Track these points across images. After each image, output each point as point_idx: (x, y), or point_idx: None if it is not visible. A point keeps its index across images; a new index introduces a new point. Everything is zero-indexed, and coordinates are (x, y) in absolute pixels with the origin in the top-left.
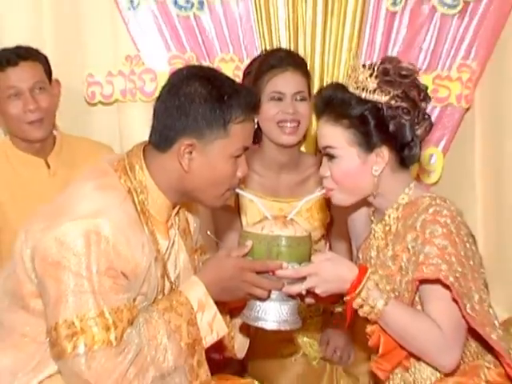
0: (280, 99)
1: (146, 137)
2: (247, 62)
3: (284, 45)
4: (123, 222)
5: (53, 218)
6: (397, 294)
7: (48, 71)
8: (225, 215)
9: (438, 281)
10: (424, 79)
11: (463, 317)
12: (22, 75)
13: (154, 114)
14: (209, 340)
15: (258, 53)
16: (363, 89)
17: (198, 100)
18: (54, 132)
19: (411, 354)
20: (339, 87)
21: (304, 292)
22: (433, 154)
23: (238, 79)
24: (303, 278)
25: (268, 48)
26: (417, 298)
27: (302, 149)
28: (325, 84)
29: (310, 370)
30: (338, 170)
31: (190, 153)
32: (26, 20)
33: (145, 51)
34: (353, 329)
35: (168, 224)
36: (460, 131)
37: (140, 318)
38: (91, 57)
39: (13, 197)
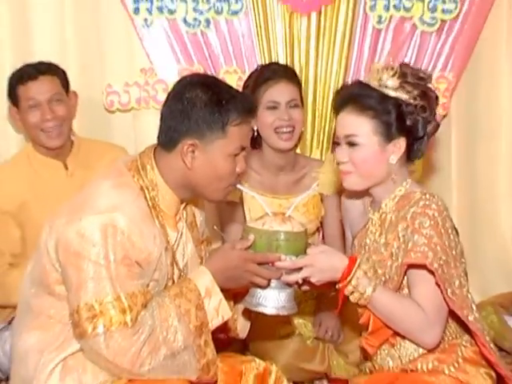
0: (275, 107)
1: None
2: (249, 73)
3: (281, 58)
4: (137, 216)
5: (74, 213)
6: (387, 277)
7: (65, 84)
8: (230, 210)
9: (423, 266)
10: None
11: (444, 300)
12: (40, 88)
13: (161, 117)
14: (215, 323)
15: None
16: (386, 86)
17: (199, 104)
18: (72, 137)
19: (397, 333)
20: (363, 84)
21: (300, 281)
22: None
23: (240, 89)
24: (300, 269)
25: (267, 61)
26: (404, 282)
27: (298, 151)
28: (317, 92)
29: (304, 347)
30: (359, 156)
31: (193, 152)
32: (52, 36)
33: (157, 64)
34: (343, 312)
35: (176, 218)
36: (437, 135)
37: (153, 302)
38: (110, 69)
39: (35, 196)
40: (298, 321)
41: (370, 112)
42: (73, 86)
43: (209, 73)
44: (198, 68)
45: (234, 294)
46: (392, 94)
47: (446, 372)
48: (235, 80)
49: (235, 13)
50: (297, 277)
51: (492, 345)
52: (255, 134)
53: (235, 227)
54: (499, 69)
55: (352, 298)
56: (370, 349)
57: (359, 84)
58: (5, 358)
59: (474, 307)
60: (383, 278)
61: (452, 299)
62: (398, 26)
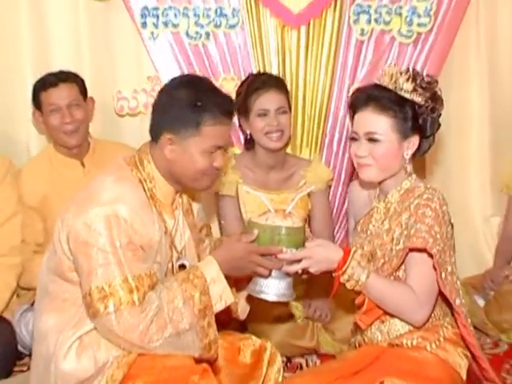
0: (265, 114)
1: None
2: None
3: (274, 67)
4: (137, 205)
5: (81, 206)
6: (386, 259)
7: (83, 91)
8: (226, 203)
9: (424, 250)
10: None
11: (437, 282)
12: (60, 94)
13: (151, 110)
14: (218, 307)
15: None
16: (401, 89)
17: (177, 103)
18: (89, 139)
19: (388, 313)
20: (381, 87)
21: (300, 271)
22: None
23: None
24: (299, 260)
25: (261, 69)
26: (402, 266)
27: (289, 150)
28: (307, 97)
29: (295, 326)
30: (379, 151)
31: (171, 145)
32: (69, 48)
33: (162, 72)
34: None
35: (173, 206)
36: None
37: (162, 285)
38: (120, 77)
39: (55, 191)
40: (290, 303)
41: (390, 112)
42: None
43: None
44: None
45: (236, 280)
46: (407, 95)
47: (428, 349)
48: (232, 86)
49: (232, 26)
50: (297, 267)
51: (472, 328)
52: (248, 136)
53: (232, 218)
54: (468, 75)
55: (348, 286)
56: (363, 325)
57: (377, 86)
58: (28, 337)
59: (461, 293)
60: (382, 260)
61: (444, 283)
62: (379, 38)
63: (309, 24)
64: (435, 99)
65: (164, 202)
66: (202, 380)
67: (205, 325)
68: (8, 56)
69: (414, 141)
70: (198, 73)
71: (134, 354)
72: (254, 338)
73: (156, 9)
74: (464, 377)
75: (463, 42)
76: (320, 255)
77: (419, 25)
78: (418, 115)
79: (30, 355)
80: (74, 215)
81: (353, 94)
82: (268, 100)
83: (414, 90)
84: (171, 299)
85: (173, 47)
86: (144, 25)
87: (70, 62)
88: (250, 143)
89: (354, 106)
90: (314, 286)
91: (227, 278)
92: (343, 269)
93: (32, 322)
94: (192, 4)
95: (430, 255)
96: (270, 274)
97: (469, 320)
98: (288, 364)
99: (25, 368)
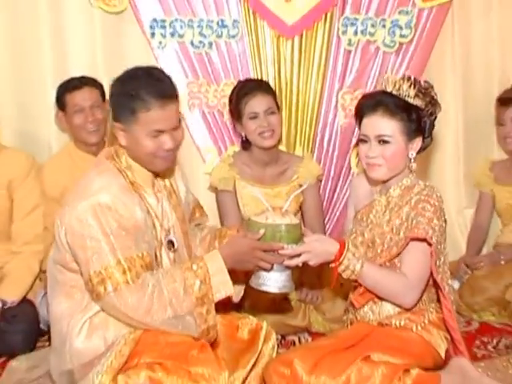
0: (256, 117)
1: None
2: (232, 88)
3: (270, 74)
4: (118, 192)
5: (72, 203)
6: (386, 246)
7: (102, 94)
8: (225, 197)
9: (424, 240)
10: None
11: (431, 269)
12: (84, 96)
13: None
14: (218, 296)
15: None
16: (405, 95)
17: (116, 93)
18: (105, 138)
19: (380, 297)
20: (387, 93)
21: (300, 265)
22: None
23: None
24: (299, 254)
25: (259, 75)
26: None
27: (284, 149)
28: (299, 101)
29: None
30: (389, 152)
31: (123, 133)
32: (85, 56)
33: None
34: (323, 279)
35: (154, 189)
36: None
37: (164, 270)
38: None
39: (75, 183)
40: None
41: (398, 116)
42: None
43: (211, 85)
44: (202, 81)
45: (236, 272)
46: (411, 101)
47: (414, 330)
48: None
49: (233, 37)
50: (297, 261)
51: (455, 313)
52: (244, 138)
53: (230, 212)
54: (445, 83)
55: (344, 275)
56: (357, 304)
57: (383, 93)
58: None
59: (450, 282)
60: (381, 247)
61: (437, 270)
62: (365, 48)
63: (302, 35)
64: (434, 103)
65: (144, 186)
66: (200, 354)
67: (203, 312)
68: (31, 64)
69: (418, 141)
70: (202, 79)
71: (139, 331)
72: (250, 317)
73: (164, 21)
74: (443, 356)
75: (440, 52)
76: (318, 249)
77: (401, 36)
78: (420, 118)
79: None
80: (68, 213)
81: (360, 100)
82: (256, 103)
83: (416, 95)
84: (172, 284)
85: (179, 55)
86: (153, 35)
87: (86, 68)
88: (246, 144)
89: (362, 111)
90: (306, 272)
91: (231, 271)
92: (340, 260)
93: None
94: (196, 16)
95: (429, 244)
96: (271, 269)
97: (454, 306)
98: (282, 341)
99: (46, 343)
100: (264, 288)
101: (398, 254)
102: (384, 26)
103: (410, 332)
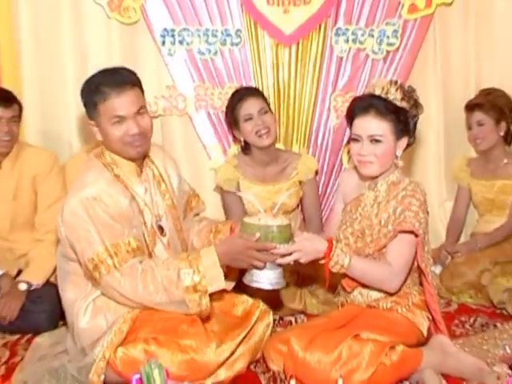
0: (251, 118)
1: (178, 138)
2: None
3: (270, 78)
4: (103, 183)
5: (67, 199)
6: (374, 237)
7: None
8: (230, 197)
9: (411, 232)
10: None
11: (416, 258)
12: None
13: None
14: (210, 289)
15: (251, 84)
16: (393, 98)
17: (83, 94)
18: None
19: (367, 286)
20: (376, 96)
21: (292, 263)
22: None
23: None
24: (291, 253)
25: (259, 80)
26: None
27: (282, 147)
28: (296, 104)
29: (286, 291)
30: (381, 150)
31: (95, 128)
32: (103, 62)
33: (178, 82)
34: (316, 268)
35: (141, 178)
36: None
37: (163, 260)
38: (143, 86)
39: None
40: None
41: (388, 117)
42: None
43: (216, 88)
44: (208, 85)
45: (229, 268)
46: (399, 104)
47: (399, 311)
48: None
49: (236, 44)
50: (289, 259)
51: (436, 296)
52: (243, 144)
53: (235, 210)
54: (428, 86)
55: (334, 270)
56: (348, 288)
57: (374, 96)
58: None
59: (432, 268)
60: (369, 238)
61: (422, 258)
62: (355, 55)
63: (298, 43)
64: (417, 105)
65: (131, 177)
66: (190, 327)
67: (196, 298)
68: (54, 68)
69: (404, 140)
70: (207, 83)
71: (136, 310)
72: (246, 297)
73: (173, 30)
74: (425, 334)
75: (423, 60)
76: (308, 247)
77: (388, 44)
78: (407, 119)
79: None
80: (64, 209)
81: (352, 102)
82: (250, 105)
83: (403, 98)
84: (166, 271)
85: (186, 62)
86: (163, 43)
87: None
88: (246, 149)
89: (354, 113)
90: (301, 265)
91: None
92: (330, 256)
93: None
94: (203, 26)
95: (416, 236)
96: (264, 267)
97: (436, 290)
98: (280, 321)
99: None
100: (257, 285)
101: (386, 245)
102: (373, 36)
103: (396, 313)
